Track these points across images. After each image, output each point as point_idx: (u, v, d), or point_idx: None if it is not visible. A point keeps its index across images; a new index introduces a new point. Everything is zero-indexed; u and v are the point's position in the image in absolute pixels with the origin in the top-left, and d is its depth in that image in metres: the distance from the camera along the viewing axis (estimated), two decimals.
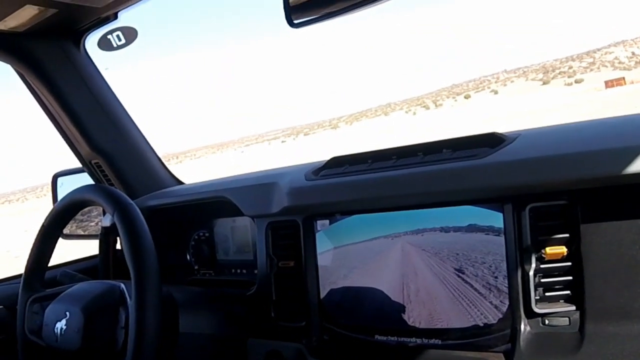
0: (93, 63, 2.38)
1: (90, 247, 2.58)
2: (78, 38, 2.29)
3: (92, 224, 2.81)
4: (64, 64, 2.27)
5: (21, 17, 1.96)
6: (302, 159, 2.32)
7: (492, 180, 1.55)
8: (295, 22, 1.55)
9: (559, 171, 1.46)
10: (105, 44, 2.25)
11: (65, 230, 2.04)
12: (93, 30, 2.24)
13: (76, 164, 2.61)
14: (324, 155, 2.05)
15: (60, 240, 2.00)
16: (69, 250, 2.48)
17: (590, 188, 1.45)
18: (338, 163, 1.91)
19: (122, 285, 1.68)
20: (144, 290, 1.53)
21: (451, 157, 1.66)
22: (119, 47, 2.25)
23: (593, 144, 1.48)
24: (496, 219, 1.57)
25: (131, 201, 1.70)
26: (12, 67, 2.23)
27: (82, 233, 2.80)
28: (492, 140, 1.66)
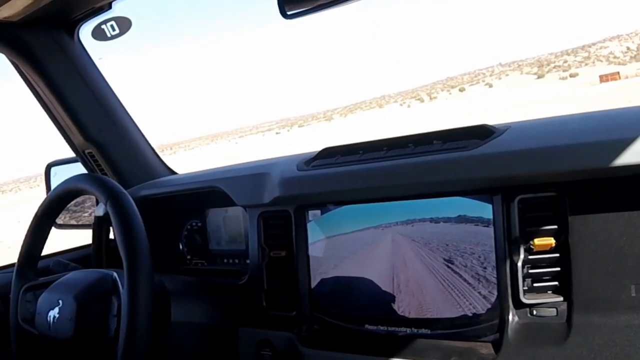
0: (87, 53, 2.38)
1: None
2: (72, 28, 2.29)
3: (86, 214, 2.81)
4: (58, 54, 2.26)
5: (15, 7, 1.96)
6: (296, 151, 2.32)
7: (481, 172, 1.56)
8: (289, 12, 1.56)
9: (548, 163, 1.47)
10: (99, 34, 2.25)
11: (59, 220, 2.04)
12: (87, 20, 2.24)
13: (69, 154, 2.62)
14: (318, 147, 2.05)
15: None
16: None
17: (579, 180, 1.46)
18: (329, 154, 1.92)
19: (115, 274, 1.69)
20: (136, 278, 1.54)
21: (441, 148, 1.67)
22: (113, 37, 2.25)
23: (581, 137, 1.49)
24: (485, 210, 1.58)
25: (124, 190, 1.70)
26: (7, 56, 2.23)
27: (76, 223, 2.80)
28: (482, 132, 1.67)
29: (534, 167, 1.49)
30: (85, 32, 2.32)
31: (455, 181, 1.61)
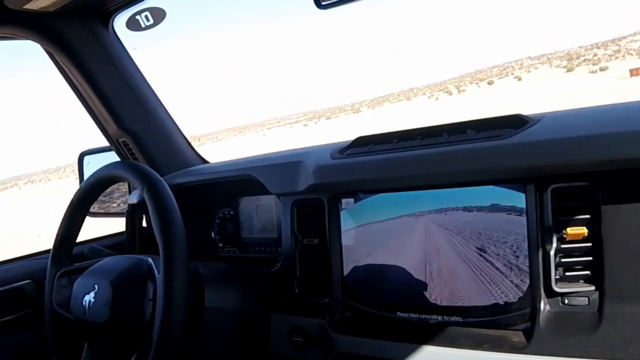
0: (121, 43, 2.41)
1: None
2: (107, 18, 2.31)
3: (114, 204, 2.84)
4: (92, 44, 2.29)
5: None
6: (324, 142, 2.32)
7: (515, 161, 1.56)
8: (323, 3, 1.57)
9: (582, 153, 1.47)
10: (133, 24, 2.27)
11: (92, 209, 2.07)
12: (122, 11, 2.27)
13: (98, 145, 2.66)
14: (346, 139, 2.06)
15: None
16: None
17: (612, 170, 1.46)
18: (363, 142, 1.93)
19: (150, 260, 1.71)
20: (172, 263, 1.56)
21: (475, 137, 1.67)
22: (147, 28, 2.27)
23: (615, 127, 1.48)
24: (518, 199, 1.58)
25: (160, 177, 1.72)
26: (42, 46, 2.26)
27: (105, 212, 2.84)
28: (516, 122, 1.67)
29: (567, 157, 1.49)
30: (119, 22, 2.35)
31: (489, 170, 1.61)
